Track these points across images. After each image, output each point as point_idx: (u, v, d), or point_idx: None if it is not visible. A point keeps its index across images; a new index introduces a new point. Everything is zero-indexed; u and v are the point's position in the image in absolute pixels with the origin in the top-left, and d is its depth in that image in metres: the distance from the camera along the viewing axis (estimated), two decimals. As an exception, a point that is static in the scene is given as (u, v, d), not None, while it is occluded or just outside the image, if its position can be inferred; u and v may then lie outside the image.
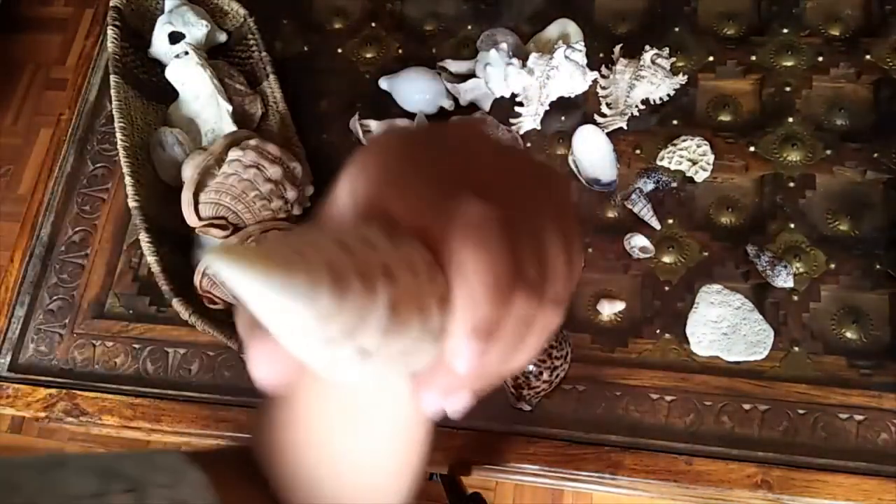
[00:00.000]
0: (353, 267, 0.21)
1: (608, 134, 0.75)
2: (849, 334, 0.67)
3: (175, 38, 0.79)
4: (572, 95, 0.78)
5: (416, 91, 0.79)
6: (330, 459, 0.38)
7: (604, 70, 0.79)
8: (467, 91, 0.78)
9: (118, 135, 0.73)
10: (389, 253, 0.23)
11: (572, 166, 0.75)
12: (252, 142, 0.72)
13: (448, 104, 0.79)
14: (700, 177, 0.73)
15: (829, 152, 0.73)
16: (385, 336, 0.22)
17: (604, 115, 0.78)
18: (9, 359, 0.76)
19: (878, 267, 0.68)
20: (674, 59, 0.77)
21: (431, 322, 0.23)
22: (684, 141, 0.74)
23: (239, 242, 0.69)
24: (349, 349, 0.22)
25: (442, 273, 0.23)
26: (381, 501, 0.40)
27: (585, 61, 0.77)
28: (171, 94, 0.80)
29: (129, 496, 0.34)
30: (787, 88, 0.76)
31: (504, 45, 0.77)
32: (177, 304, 0.68)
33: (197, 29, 0.79)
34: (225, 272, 0.20)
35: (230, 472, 0.40)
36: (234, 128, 0.76)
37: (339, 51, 0.86)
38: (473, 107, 0.79)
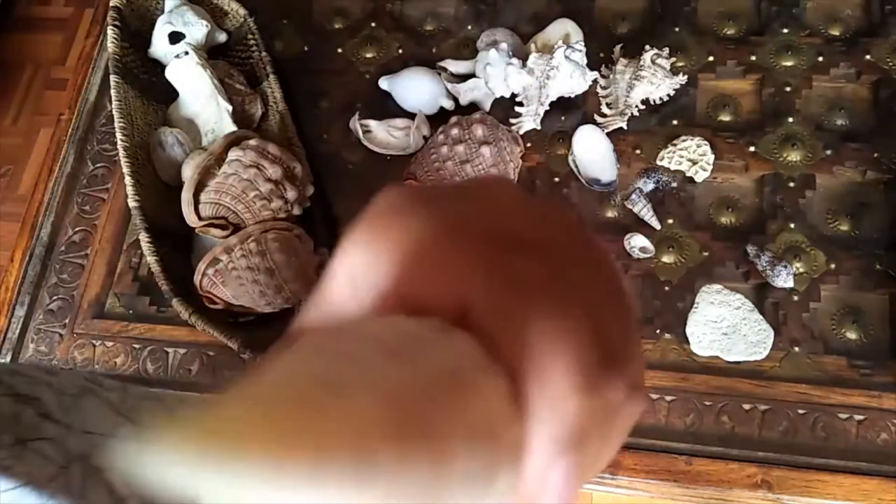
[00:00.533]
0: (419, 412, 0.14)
1: (608, 134, 0.75)
2: (849, 334, 0.67)
3: (175, 38, 0.79)
4: (572, 95, 0.78)
5: (416, 91, 0.79)
6: None
7: (604, 70, 0.79)
8: (467, 91, 0.78)
9: (118, 135, 0.73)
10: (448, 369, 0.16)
11: (572, 166, 0.75)
12: (252, 142, 0.72)
13: (448, 104, 0.79)
14: (700, 177, 0.73)
15: (829, 152, 0.73)
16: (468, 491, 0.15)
17: (604, 115, 0.78)
18: (9, 359, 0.76)
19: (878, 267, 0.68)
20: (674, 59, 0.77)
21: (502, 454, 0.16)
22: (684, 141, 0.74)
23: (238, 242, 0.69)
24: None
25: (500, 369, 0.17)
26: None
27: (585, 61, 0.77)
28: (171, 94, 0.80)
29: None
30: (787, 88, 0.76)
31: (504, 45, 0.77)
32: (177, 304, 0.68)
33: (197, 29, 0.79)
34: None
35: None
36: (234, 128, 0.76)
37: (339, 51, 0.86)
38: (473, 107, 0.79)
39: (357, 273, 0.19)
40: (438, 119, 0.78)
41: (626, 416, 0.19)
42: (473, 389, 0.16)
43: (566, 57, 0.75)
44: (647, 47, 0.77)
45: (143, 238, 0.69)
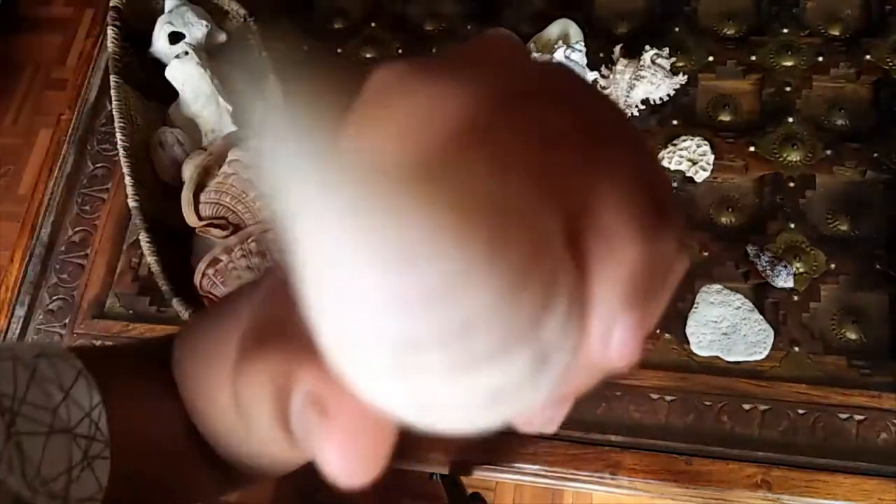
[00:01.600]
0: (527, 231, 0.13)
1: (608, 134, 0.75)
2: (849, 334, 0.67)
3: (175, 38, 0.79)
4: (572, 95, 0.78)
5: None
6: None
7: (604, 70, 0.79)
8: (467, 91, 0.78)
9: (118, 135, 0.73)
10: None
11: (572, 166, 0.75)
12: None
13: (448, 104, 0.79)
14: (700, 177, 0.73)
15: (829, 152, 0.73)
16: (562, 333, 0.14)
17: (604, 115, 0.77)
18: (9, 359, 0.76)
19: (878, 267, 0.68)
20: (674, 59, 0.77)
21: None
22: (684, 141, 0.74)
23: (238, 242, 0.69)
24: (529, 353, 0.14)
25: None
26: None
27: (585, 61, 0.77)
28: (171, 94, 0.80)
29: None
30: (787, 88, 0.76)
31: (504, 45, 0.77)
32: (177, 304, 0.68)
33: (197, 29, 0.79)
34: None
35: (125, 376, 0.38)
36: (234, 128, 0.76)
37: (339, 51, 0.86)
38: (473, 107, 0.79)
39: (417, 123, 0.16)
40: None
41: (675, 272, 0.18)
42: (556, 244, 0.14)
43: (566, 57, 0.75)
44: (647, 47, 0.77)
45: (143, 238, 0.69)
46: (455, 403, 0.14)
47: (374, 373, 0.13)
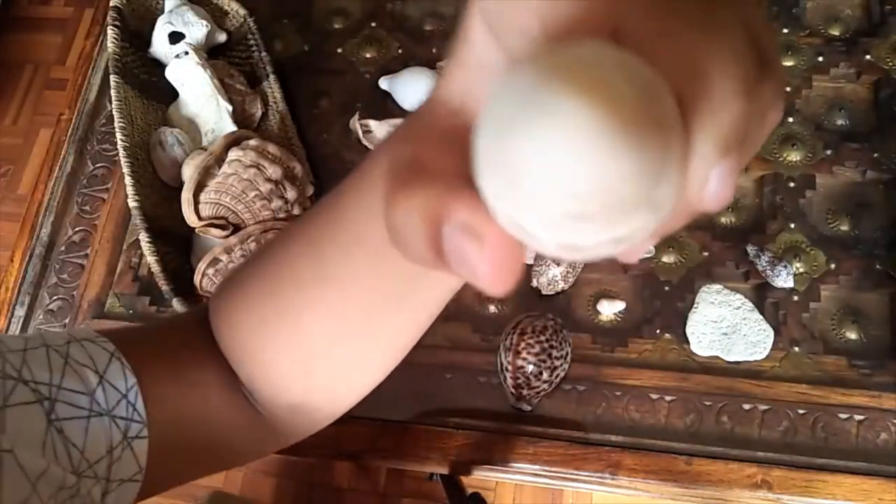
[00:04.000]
0: (648, 98, 0.16)
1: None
2: (849, 334, 0.67)
3: (175, 38, 0.79)
4: (572, 95, 0.78)
5: (416, 91, 0.79)
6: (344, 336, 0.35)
7: (604, 70, 0.79)
8: (467, 91, 0.78)
9: (118, 135, 0.73)
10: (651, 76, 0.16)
11: (572, 166, 0.75)
12: (252, 142, 0.72)
13: (448, 104, 0.79)
14: (700, 177, 0.73)
15: (829, 152, 0.73)
16: (671, 188, 0.17)
17: (604, 115, 0.77)
18: (9, 359, 0.76)
19: (878, 267, 0.68)
20: (674, 59, 0.77)
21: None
22: (684, 141, 0.74)
23: (238, 242, 0.69)
24: (648, 209, 0.16)
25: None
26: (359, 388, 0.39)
27: (585, 61, 0.77)
28: (171, 94, 0.80)
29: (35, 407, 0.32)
30: (787, 88, 0.76)
31: (504, 45, 0.77)
32: (177, 304, 0.68)
33: (197, 29, 0.79)
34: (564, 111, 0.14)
35: (156, 354, 0.39)
36: (234, 128, 0.76)
37: (339, 51, 0.86)
38: (473, 107, 0.79)
39: (497, 18, 0.18)
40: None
41: (770, 119, 0.19)
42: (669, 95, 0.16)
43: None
44: (647, 47, 0.76)
45: (143, 238, 0.69)
46: (588, 246, 0.17)
47: (535, 225, 0.17)
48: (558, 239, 0.17)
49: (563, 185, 0.15)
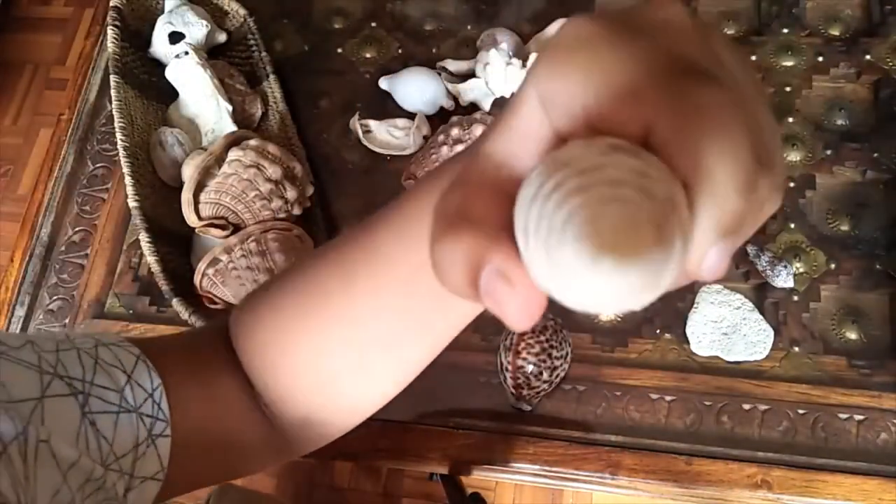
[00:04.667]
0: (657, 212, 0.19)
1: (608, 134, 0.75)
2: (849, 334, 0.67)
3: (175, 38, 0.79)
4: (572, 95, 0.78)
5: (416, 91, 0.79)
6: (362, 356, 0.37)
7: (604, 70, 0.79)
8: (467, 91, 0.78)
9: (118, 135, 0.73)
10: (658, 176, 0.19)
11: (572, 166, 0.75)
12: (252, 142, 0.72)
13: (448, 104, 0.79)
14: (700, 177, 0.73)
15: (829, 152, 0.73)
16: (677, 266, 0.20)
17: (604, 115, 0.77)
18: (9, 359, 0.76)
19: (878, 267, 0.68)
20: (674, 59, 0.77)
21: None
22: (684, 141, 0.74)
23: (238, 242, 0.69)
24: (651, 295, 0.20)
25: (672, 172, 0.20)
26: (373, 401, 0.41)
27: (585, 61, 0.77)
28: (171, 94, 0.80)
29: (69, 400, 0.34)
30: (788, 88, 0.76)
31: (504, 45, 0.77)
32: (177, 304, 0.68)
33: (197, 29, 0.79)
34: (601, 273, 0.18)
35: (179, 361, 0.41)
36: (234, 128, 0.76)
37: (339, 51, 0.86)
38: (473, 107, 0.79)
39: (550, 97, 0.21)
40: (438, 119, 0.78)
41: (766, 210, 0.22)
42: (681, 198, 0.20)
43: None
44: (647, 47, 0.76)
45: (143, 238, 0.69)
46: (603, 310, 0.20)
47: (559, 294, 0.20)
48: (579, 309, 0.20)
49: (583, 296, 0.19)
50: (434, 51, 0.84)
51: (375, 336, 0.37)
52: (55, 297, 0.78)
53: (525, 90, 0.22)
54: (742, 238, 0.22)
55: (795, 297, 0.68)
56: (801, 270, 0.69)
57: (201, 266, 0.69)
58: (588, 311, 0.20)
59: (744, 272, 0.70)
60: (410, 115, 0.79)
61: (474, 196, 0.23)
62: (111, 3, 0.79)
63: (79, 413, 0.34)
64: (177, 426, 0.38)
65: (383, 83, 0.81)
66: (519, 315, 0.22)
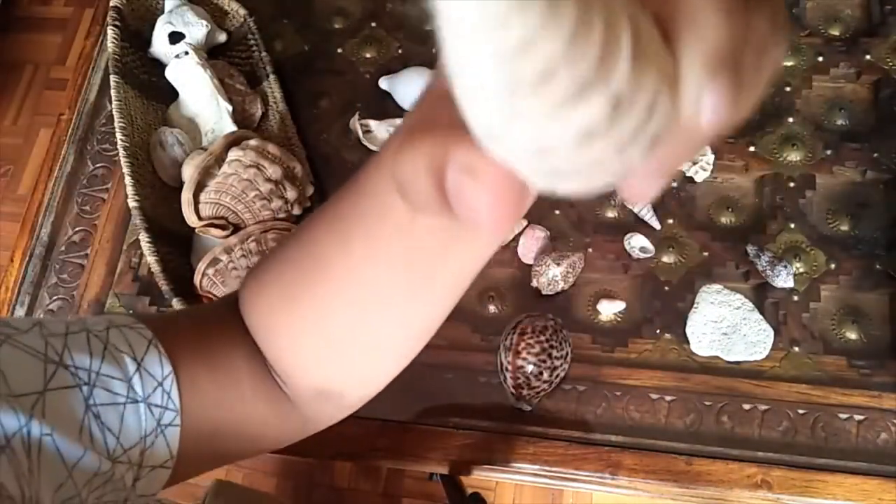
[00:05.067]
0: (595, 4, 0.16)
1: (608, 134, 0.75)
2: (849, 334, 0.67)
3: (175, 38, 0.79)
4: (572, 95, 0.78)
5: (416, 91, 0.79)
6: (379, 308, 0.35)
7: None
8: (467, 91, 0.78)
9: (118, 135, 0.73)
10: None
11: (572, 166, 0.75)
12: (252, 142, 0.72)
13: (448, 104, 0.79)
14: (700, 177, 0.73)
15: (829, 152, 0.73)
16: (630, 88, 0.17)
17: (604, 115, 0.77)
18: (9, 359, 0.76)
19: (878, 267, 0.68)
20: (674, 59, 0.77)
21: (664, 89, 0.17)
22: (684, 141, 0.74)
23: (238, 242, 0.69)
24: (598, 102, 0.17)
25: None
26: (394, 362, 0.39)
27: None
28: (171, 94, 0.80)
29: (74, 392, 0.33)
30: (787, 88, 0.76)
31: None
32: (177, 304, 0.68)
33: (197, 29, 0.79)
34: None
35: (190, 342, 0.40)
36: (234, 128, 0.76)
37: (339, 51, 0.86)
38: (473, 107, 0.79)
39: None
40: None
41: (772, 55, 0.19)
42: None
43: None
44: (647, 47, 0.76)
45: (143, 238, 0.69)
46: (559, 145, 0.17)
47: (496, 120, 0.17)
48: (534, 143, 0.17)
49: (504, 55, 0.16)
50: (434, 51, 0.84)
51: (378, 294, 0.34)
52: (55, 297, 0.78)
53: None
54: (747, 84, 0.18)
55: (795, 297, 0.68)
56: (801, 270, 0.69)
57: (201, 266, 0.69)
58: (547, 150, 0.17)
59: (744, 272, 0.70)
60: (410, 115, 0.79)
61: (429, 108, 0.21)
62: (111, 3, 0.79)
63: (83, 406, 0.34)
64: (187, 413, 0.37)
65: (383, 83, 0.81)
66: (492, 208, 0.19)
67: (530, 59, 0.16)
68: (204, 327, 0.42)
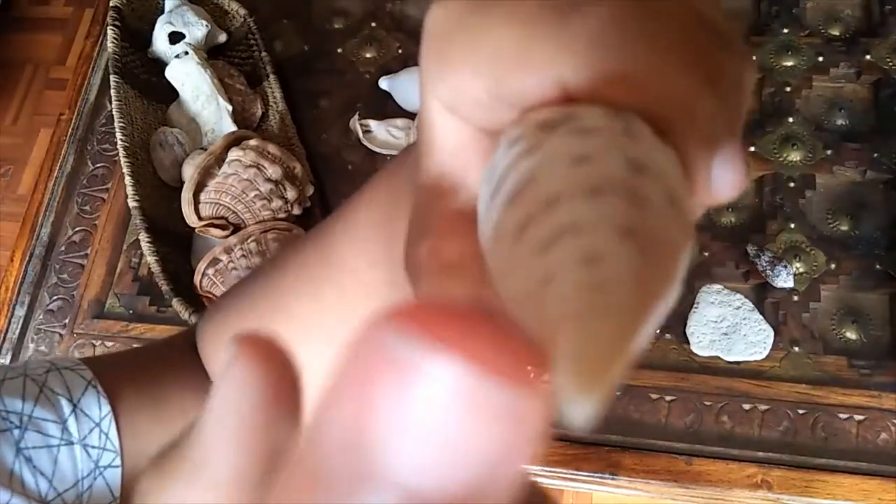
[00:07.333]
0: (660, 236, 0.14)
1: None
2: (849, 334, 0.67)
3: (175, 38, 0.79)
4: (572, 95, 0.78)
5: (416, 91, 0.79)
6: None
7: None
8: (467, 91, 0.78)
9: (118, 135, 0.73)
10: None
11: (572, 166, 0.75)
12: (252, 142, 0.72)
13: (448, 104, 0.79)
14: (700, 177, 0.73)
15: (829, 152, 0.73)
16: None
17: (604, 115, 0.77)
18: (9, 359, 0.76)
19: (878, 267, 0.68)
20: (674, 59, 0.77)
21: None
22: (684, 141, 0.74)
23: (238, 242, 0.69)
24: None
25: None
26: None
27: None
28: (171, 94, 0.80)
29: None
30: (787, 88, 0.76)
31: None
32: (177, 304, 0.68)
33: (197, 29, 0.79)
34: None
35: (133, 382, 0.39)
36: (234, 128, 0.76)
37: (339, 51, 0.86)
38: (473, 107, 0.79)
39: (454, 101, 0.18)
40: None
41: (746, 85, 0.18)
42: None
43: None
44: (647, 47, 0.76)
45: (143, 238, 0.70)
46: None
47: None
48: None
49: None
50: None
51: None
52: (55, 297, 0.78)
53: (427, 102, 0.19)
54: (737, 127, 0.18)
55: (795, 297, 0.68)
56: (801, 270, 0.69)
57: (201, 266, 0.69)
58: None
59: (744, 272, 0.70)
60: (410, 115, 0.79)
61: (439, 237, 0.19)
62: (111, 3, 0.79)
63: (13, 450, 0.33)
64: (129, 453, 0.37)
65: (383, 83, 0.81)
66: None
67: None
68: (154, 367, 0.41)
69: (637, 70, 0.16)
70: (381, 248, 0.30)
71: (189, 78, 0.77)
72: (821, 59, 0.77)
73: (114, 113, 0.74)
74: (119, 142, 0.73)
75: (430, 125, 0.19)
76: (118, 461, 0.36)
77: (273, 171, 0.70)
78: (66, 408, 0.36)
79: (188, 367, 0.40)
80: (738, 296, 0.68)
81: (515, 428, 0.13)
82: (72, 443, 0.35)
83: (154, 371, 0.41)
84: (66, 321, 0.77)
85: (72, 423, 0.35)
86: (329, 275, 0.32)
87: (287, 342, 0.35)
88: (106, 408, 0.37)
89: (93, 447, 0.36)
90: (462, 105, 0.18)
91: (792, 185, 0.72)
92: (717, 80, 0.16)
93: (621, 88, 0.16)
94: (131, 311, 0.76)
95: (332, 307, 0.32)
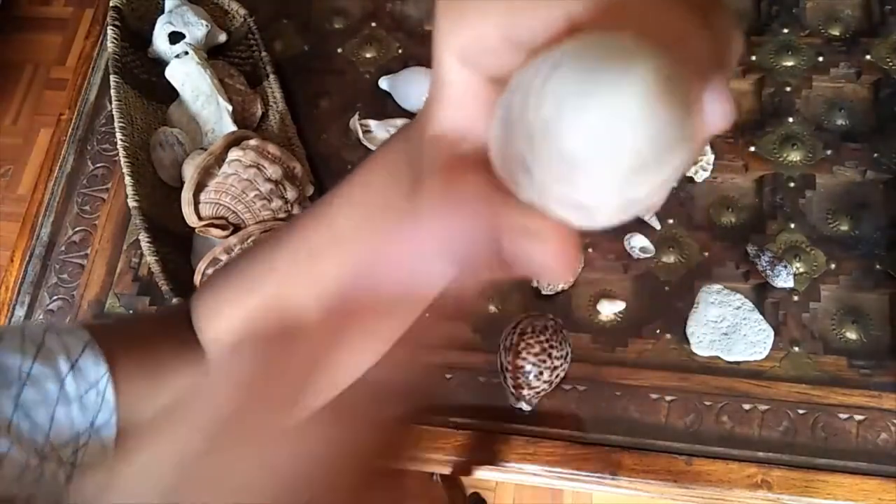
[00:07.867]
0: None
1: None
2: (849, 334, 0.67)
3: (175, 38, 0.79)
4: (572, 95, 0.78)
5: (416, 91, 0.79)
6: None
7: (604, 70, 0.79)
8: (467, 91, 0.78)
9: (118, 135, 0.73)
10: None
11: (572, 166, 0.75)
12: (252, 142, 0.72)
13: (448, 104, 0.79)
14: (700, 177, 0.73)
15: (829, 152, 0.73)
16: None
17: (604, 115, 0.77)
18: (9, 359, 0.76)
19: (878, 267, 0.68)
20: (674, 59, 0.77)
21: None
22: (684, 141, 0.74)
23: (238, 242, 0.69)
24: (683, 146, 0.18)
25: None
26: None
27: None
28: (171, 94, 0.80)
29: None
30: (787, 88, 0.76)
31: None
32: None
33: (197, 29, 0.79)
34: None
35: (129, 346, 0.40)
36: (234, 128, 0.76)
37: (339, 51, 0.86)
38: (473, 107, 0.79)
39: (465, 52, 0.20)
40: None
41: (735, 44, 0.20)
42: None
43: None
44: (647, 47, 0.76)
45: (143, 238, 0.69)
46: (642, 197, 0.19)
47: (596, 193, 0.18)
48: (618, 199, 0.18)
49: (628, 144, 0.17)
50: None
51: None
52: (55, 297, 0.78)
53: (439, 58, 0.21)
54: (726, 73, 0.20)
55: (795, 297, 0.68)
56: (801, 270, 0.69)
57: (201, 266, 0.69)
58: (627, 204, 0.18)
59: (744, 272, 0.70)
60: (410, 115, 0.79)
61: (451, 182, 0.21)
62: (111, 3, 0.79)
63: (12, 405, 0.34)
64: (126, 412, 0.37)
65: (383, 83, 0.81)
66: (562, 263, 0.20)
67: (657, 143, 0.17)
68: (149, 333, 0.42)
69: (639, 13, 0.18)
70: (377, 213, 0.31)
71: (189, 78, 0.77)
72: (821, 59, 0.77)
73: (114, 113, 0.74)
74: (119, 142, 0.73)
75: (441, 81, 0.21)
76: (114, 420, 0.37)
77: (273, 171, 0.70)
78: (65, 366, 0.36)
79: (182, 335, 0.40)
80: (738, 296, 0.68)
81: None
82: (69, 400, 0.36)
83: (149, 337, 0.41)
84: (66, 321, 0.77)
85: (69, 382, 0.36)
86: (328, 240, 0.33)
87: (279, 298, 0.35)
88: (103, 367, 0.37)
89: (90, 405, 0.36)
90: (475, 54, 0.19)
91: (792, 185, 0.72)
92: (707, 27, 0.18)
93: (623, 16, 0.18)
94: (131, 311, 0.76)
95: (328, 261, 0.33)
